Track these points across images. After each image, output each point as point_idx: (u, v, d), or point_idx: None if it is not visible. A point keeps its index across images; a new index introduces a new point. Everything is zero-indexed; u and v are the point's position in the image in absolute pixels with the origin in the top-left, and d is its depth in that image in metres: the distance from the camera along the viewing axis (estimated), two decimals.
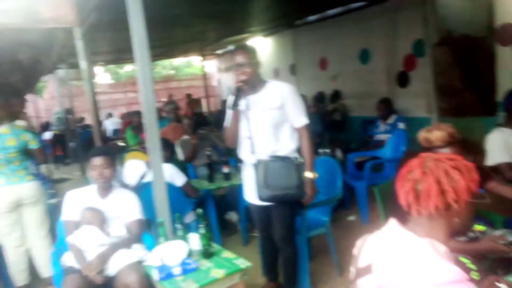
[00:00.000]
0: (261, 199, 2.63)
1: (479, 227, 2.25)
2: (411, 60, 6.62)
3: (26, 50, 4.51)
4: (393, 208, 2.03)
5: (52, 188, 3.38)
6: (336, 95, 8.41)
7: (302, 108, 2.64)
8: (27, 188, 3.26)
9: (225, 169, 4.32)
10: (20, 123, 3.49)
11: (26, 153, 3.26)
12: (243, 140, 2.70)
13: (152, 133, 2.67)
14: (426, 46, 4.17)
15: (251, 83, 2.58)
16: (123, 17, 2.52)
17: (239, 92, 2.53)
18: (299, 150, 2.69)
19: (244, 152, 2.73)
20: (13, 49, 4.55)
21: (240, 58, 2.56)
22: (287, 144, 2.64)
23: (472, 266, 1.90)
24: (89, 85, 3.20)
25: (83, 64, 3.03)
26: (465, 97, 5.73)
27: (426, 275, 1.14)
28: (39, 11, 2.47)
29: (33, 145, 3.27)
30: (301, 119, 2.63)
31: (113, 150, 2.91)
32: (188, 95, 13.73)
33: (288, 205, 2.69)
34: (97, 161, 2.66)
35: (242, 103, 2.62)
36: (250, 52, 2.60)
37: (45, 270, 3.31)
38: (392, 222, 1.36)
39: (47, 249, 3.29)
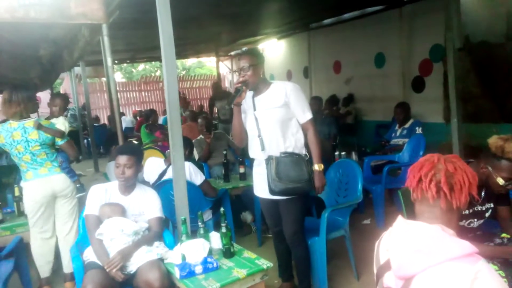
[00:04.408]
0: (273, 192, 2.66)
1: (505, 235, 2.27)
2: (428, 65, 6.60)
3: (48, 46, 4.54)
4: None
5: (79, 182, 3.39)
6: (349, 99, 8.41)
7: (306, 104, 2.76)
8: (58, 180, 3.29)
9: (241, 169, 4.33)
10: (56, 120, 3.50)
11: (53, 147, 3.29)
12: (253, 138, 2.77)
13: (175, 131, 2.68)
14: (447, 51, 4.13)
15: (252, 85, 2.70)
16: (144, 16, 2.55)
17: (237, 92, 2.66)
18: (306, 147, 2.79)
19: (254, 150, 2.79)
20: (34, 45, 4.60)
21: (242, 62, 2.70)
22: (294, 140, 2.72)
23: (501, 273, 1.90)
24: (112, 82, 3.23)
25: (109, 61, 3.06)
26: (482, 103, 5.70)
27: (438, 253, 1.19)
28: (69, 6, 2.49)
29: (58, 141, 3.30)
30: (306, 115, 2.74)
31: (139, 150, 2.93)
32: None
33: (298, 200, 2.72)
34: (122, 159, 2.68)
35: (249, 103, 2.76)
36: (253, 57, 2.71)
37: (69, 264, 3.34)
38: (400, 218, 1.42)
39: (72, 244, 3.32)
